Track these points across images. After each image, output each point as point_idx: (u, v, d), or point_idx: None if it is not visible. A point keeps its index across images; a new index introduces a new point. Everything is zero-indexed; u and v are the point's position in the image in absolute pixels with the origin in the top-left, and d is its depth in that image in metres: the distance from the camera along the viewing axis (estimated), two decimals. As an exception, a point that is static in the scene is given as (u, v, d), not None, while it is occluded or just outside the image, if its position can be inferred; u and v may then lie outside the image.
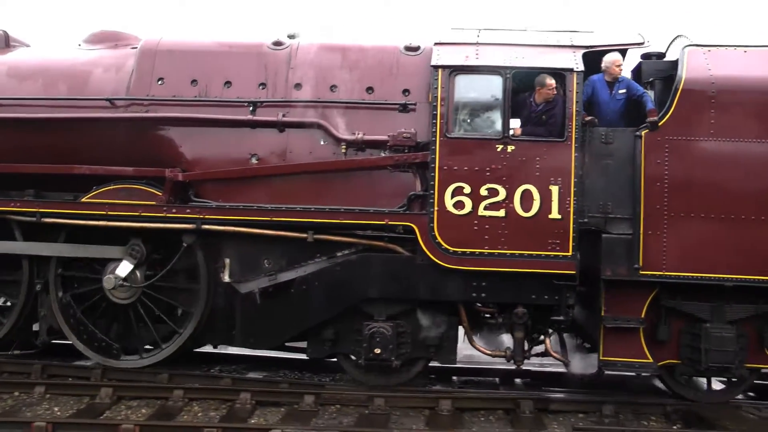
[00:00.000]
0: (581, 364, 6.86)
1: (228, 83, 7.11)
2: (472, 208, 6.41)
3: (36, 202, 7.08)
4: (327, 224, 6.65)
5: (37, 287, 7.27)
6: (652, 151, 6.35)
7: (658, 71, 7.02)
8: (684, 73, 6.40)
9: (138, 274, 7.03)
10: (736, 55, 6.57)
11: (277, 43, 7.27)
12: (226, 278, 6.87)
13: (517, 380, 7.79)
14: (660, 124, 6.35)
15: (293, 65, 7.12)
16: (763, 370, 6.87)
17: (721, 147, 6.31)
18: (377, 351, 6.54)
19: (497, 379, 7.77)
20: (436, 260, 6.43)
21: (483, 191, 6.41)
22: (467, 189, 6.42)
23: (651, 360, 6.42)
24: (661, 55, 7.21)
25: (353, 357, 7.01)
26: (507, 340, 7.06)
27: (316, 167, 6.84)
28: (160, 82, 7.17)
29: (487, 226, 6.39)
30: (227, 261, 6.88)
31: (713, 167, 6.31)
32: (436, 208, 6.43)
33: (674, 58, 6.76)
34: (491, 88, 6.55)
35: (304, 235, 6.67)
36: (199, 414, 6.24)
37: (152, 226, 6.86)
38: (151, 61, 7.25)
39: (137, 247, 7.01)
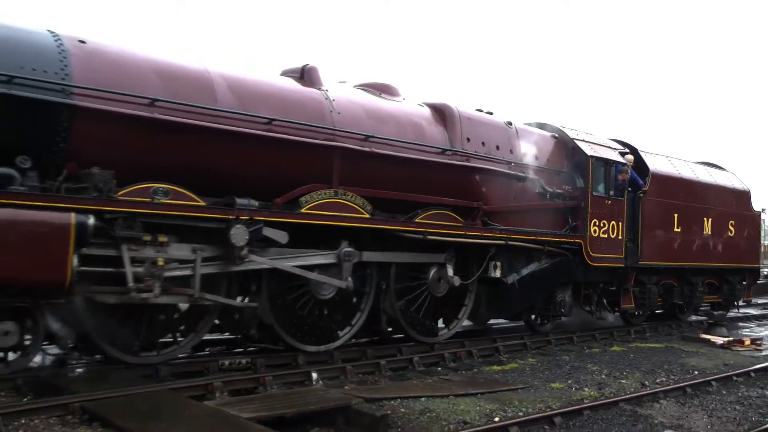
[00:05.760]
0: (610, 315, 13.38)
1: (497, 147, 10.74)
2: (599, 232, 12.13)
3: (424, 223, 9.32)
4: (551, 242, 11.26)
5: (382, 285, 9.40)
6: (643, 204, 13.25)
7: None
8: (651, 167, 13.52)
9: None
10: (654, 157, 14.06)
11: (509, 123, 11.20)
12: (498, 275, 10.64)
13: None
14: (645, 189, 13.32)
15: (519, 141, 11.23)
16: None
17: (661, 202, 13.66)
18: (563, 311, 11.62)
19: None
20: (588, 261, 11.89)
21: (601, 224, 12.20)
22: (597, 223, 12.10)
23: (634, 306, 13.41)
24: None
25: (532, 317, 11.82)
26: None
27: (546, 206, 11.31)
28: (468, 141, 10.25)
29: (601, 243, 12.21)
30: (499, 263, 10.64)
31: (658, 211, 13.58)
32: (588, 233, 11.89)
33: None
34: (602, 170, 12.33)
35: (540, 246, 11.11)
36: None
37: (481, 242, 10.10)
38: (458, 123, 10.21)
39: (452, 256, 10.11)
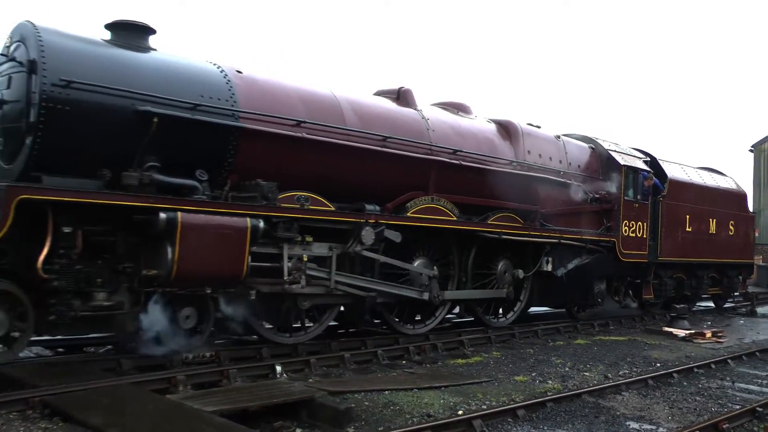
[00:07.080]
0: (633, 304, 15.14)
1: (550, 158, 12.36)
2: (628, 232, 13.86)
3: (499, 225, 10.89)
4: (592, 240, 12.94)
5: (462, 278, 10.98)
6: (662, 206, 15.04)
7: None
8: (668, 174, 15.33)
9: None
10: (669, 165, 15.86)
11: (557, 137, 12.83)
12: (549, 268, 12.28)
13: None
14: (664, 194, 15.11)
15: (566, 152, 12.87)
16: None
17: (676, 205, 15.48)
18: (599, 300, 13.35)
19: None
20: (620, 257, 13.61)
21: (630, 224, 13.93)
22: (627, 224, 13.83)
23: (653, 296, 15.21)
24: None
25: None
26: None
27: (587, 209, 12.97)
28: (528, 153, 11.85)
29: (630, 241, 13.95)
30: (550, 259, 12.27)
31: (674, 212, 15.41)
32: (621, 233, 13.61)
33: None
34: (631, 177, 14.06)
35: (583, 244, 12.78)
36: None
37: (542, 240, 11.72)
38: (520, 138, 11.80)
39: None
